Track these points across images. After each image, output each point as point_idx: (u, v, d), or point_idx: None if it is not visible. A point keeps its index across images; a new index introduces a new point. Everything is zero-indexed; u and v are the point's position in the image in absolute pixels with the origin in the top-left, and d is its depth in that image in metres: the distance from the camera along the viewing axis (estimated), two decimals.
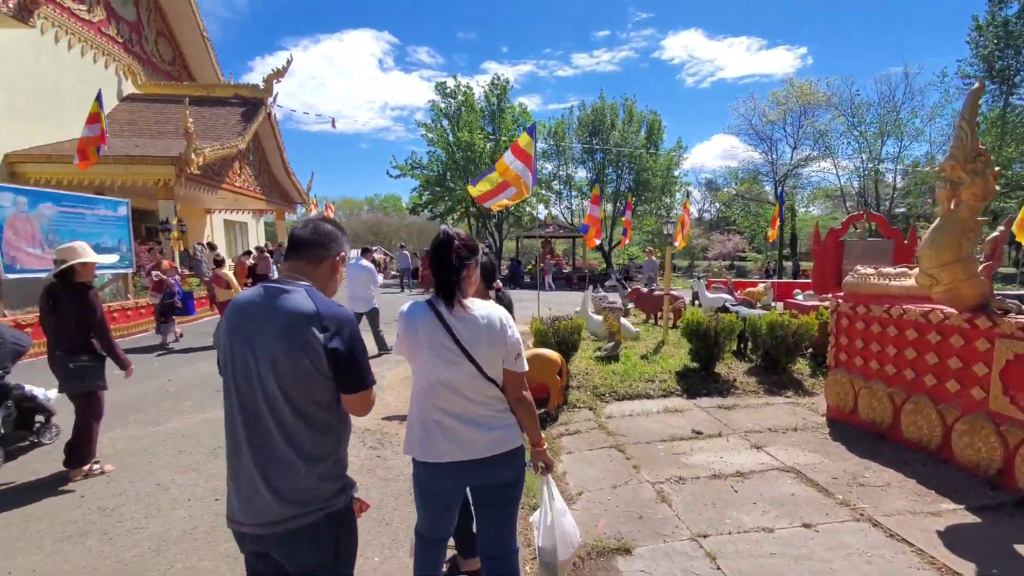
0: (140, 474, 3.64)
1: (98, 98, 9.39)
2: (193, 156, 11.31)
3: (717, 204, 40.98)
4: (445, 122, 27.54)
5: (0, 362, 3.65)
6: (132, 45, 15.29)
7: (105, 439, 4.00)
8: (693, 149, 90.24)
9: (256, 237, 24.04)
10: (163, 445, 4.17)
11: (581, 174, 31.54)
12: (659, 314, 8.89)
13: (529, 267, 23.26)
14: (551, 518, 2.00)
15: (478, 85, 36.33)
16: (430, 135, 27.37)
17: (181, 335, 8.91)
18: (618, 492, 3.23)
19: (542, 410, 4.69)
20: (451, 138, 26.82)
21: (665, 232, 10.81)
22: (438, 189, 27.96)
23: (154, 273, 8.89)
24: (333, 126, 19.11)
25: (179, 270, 11.19)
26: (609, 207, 28.86)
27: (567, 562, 2.03)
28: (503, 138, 26.13)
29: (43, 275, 8.21)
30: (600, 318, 7.04)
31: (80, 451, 3.51)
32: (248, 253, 17.90)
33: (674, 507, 3.00)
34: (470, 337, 1.68)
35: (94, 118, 9.18)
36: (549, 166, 30.80)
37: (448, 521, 1.86)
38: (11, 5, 9.85)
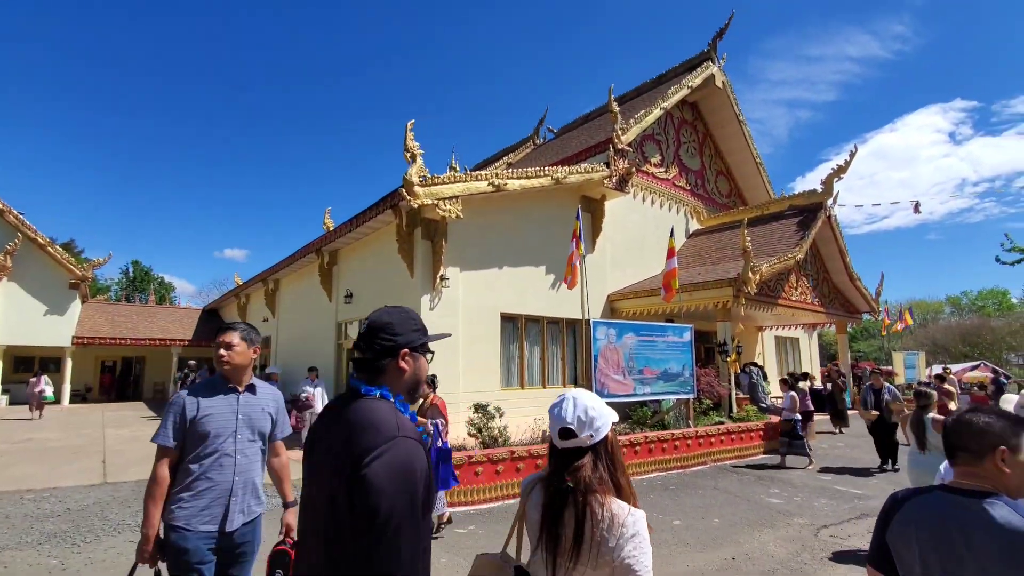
0: None
1: (672, 234, 10.39)
2: (750, 275, 10.87)
3: None
4: None
5: None
6: (697, 188, 17.40)
7: None
8: None
9: (809, 354, 21.70)
10: None
11: None
12: None
13: None
14: None
15: None
16: None
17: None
18: None
19: None
20: None
21: None
22: None
23: None
24: (917, 211, 14.87)
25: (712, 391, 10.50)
26: None
27: None
28: None
29: (623, 399, 9.16)
30: None
31: None
32: (806, 376, 15.88)
33: None
34: None
35: (671, 252, 10.11)
36: None
37: None
38: (615, 181, 12.75)
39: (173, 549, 2.18)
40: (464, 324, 10.34)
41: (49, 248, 21.14)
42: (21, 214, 20.41)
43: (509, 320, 11.23)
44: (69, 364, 21.27)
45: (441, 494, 5.38)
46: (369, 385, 1.35)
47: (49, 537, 5.06)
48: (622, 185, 12.84)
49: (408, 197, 9.15)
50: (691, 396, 10.03)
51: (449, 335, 1.81)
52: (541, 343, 11.80)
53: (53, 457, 9.10)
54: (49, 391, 17.11)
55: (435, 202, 9.45)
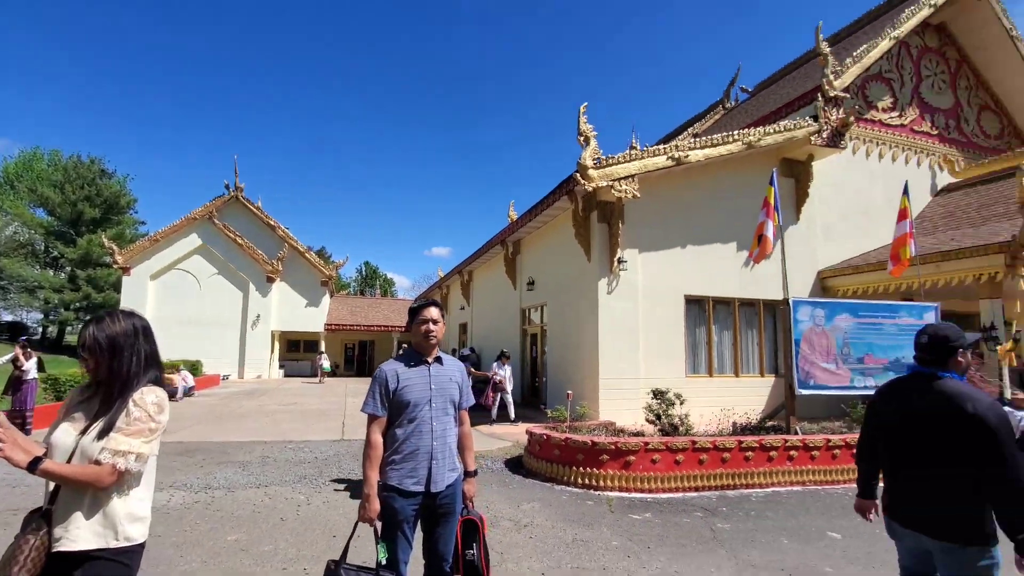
0: None
1: (905, 191, 8.39)
2: None
3: None
4: None
5: None
6: (948, 131, 13.71)
7: None
8: None
9: None
10: None
11: None
12: None
13: None
14: None
15: None
16: None
17: None
18: None
19: None
20: None
21: None
22: None
23: None
24: None
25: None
26: None
27: None
28: None
29: (836, 392, 7.71)
30: None
31: None
32: None
33: None
34: None
35: (903, 214, 8.20)
36: None
37: None
38: (825, 136, 10.77)
39: (384, 507, 2.41)
40: (644, 307, 9.90)
41: (307, 255, 26.73)
42: (287, 229, 26.16)
43: (694, 302, 10.40)
44: (323, 346, 26.59)
45: None
46: (943, 371, 2.14)
47: (301, 478, 6.32)
48: (836, 140, 10.81)
49: (583, 181, 9.06)
50: None
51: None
52: (733, 327, 10.66)
53: (309, 417, 11.43)
54: (327, 365, 23.63)
55: (610, 183, 9.19)
